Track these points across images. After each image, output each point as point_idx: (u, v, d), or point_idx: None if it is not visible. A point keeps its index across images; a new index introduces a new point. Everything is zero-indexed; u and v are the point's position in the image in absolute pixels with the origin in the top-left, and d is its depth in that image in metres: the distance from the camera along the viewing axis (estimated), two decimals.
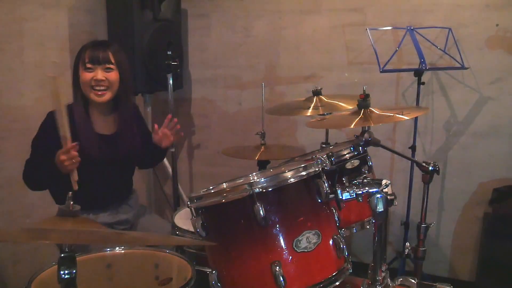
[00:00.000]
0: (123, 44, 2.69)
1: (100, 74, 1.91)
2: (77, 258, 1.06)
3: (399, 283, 1.54)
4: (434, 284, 1.59)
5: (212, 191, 1.38)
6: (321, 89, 2.27)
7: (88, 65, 1.90)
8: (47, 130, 1.86)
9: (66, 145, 1.68)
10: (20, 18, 2.42)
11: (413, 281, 1.53)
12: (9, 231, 1.11)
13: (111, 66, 1.93)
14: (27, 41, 2.46)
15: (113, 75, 1.94)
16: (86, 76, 1.90)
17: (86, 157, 1.79)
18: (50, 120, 1.83)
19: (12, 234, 1.09)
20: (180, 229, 1.85)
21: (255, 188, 1.25)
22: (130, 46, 2.71)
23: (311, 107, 2.18)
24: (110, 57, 1.93)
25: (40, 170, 1.87)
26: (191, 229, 1.46)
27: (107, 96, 1.94)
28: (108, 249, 1.52)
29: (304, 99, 2.29)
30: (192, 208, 1.37)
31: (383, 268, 1.40)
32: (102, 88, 1.92)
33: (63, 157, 1.69)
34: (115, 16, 2.79)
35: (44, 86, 2.56)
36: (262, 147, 2.48)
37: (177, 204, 2.82)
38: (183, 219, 1.93)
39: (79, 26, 2.78)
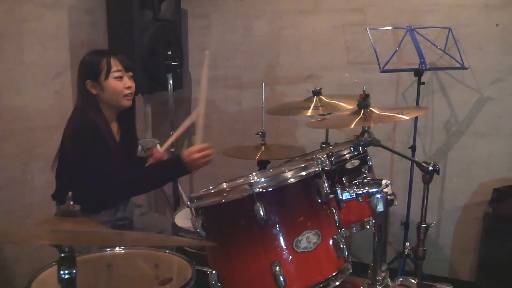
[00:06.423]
0: (123, 44, 2.70)
1: (128, 81, 1.96)
2: (77, 258, 1.06)
3: (399, 283, 1.54)
4: (434, 284, 1.59)
5: (212, 191, 1.38)
6: (321, 89, 2.27)
7: (118, 74, 1.92)
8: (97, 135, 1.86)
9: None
10: (20, 18, 2.42)
11: (413, 281, 1.53)
12: (9, 231, 1.11)
13: (132, 74, 1.99)
14: (27, 41, 2.46)
15: (134, 83, 2.00)
16: (118, 84, 1.92)
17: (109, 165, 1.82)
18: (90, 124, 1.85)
19: (12, 234, 1.09)
20: (180, 229, 1.85)
21: (255, 188, 1.24)
22: (130, 46, 2.71)
23: (311, 107, 2.18)
24: (133, 66, 2.00)
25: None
26: (192, 229, 1.46)
27: (131, 101, 2.00)
28: (108, 249, 1.52)
29: (304, 99, 2.29)
30: (192, 208, 1.37)
31: (383, 268, 1.40)
32: (131, 93, 1.97)
33: (197, 155, 1.82)
34: (115, 16, 2.79)
35: (45, 86, 2.57)
36: (262, 147, 2.48)
37: (177, 204, 2.82)
38: (183, 219, 1.93)
39: (79, 26, 2.78)
